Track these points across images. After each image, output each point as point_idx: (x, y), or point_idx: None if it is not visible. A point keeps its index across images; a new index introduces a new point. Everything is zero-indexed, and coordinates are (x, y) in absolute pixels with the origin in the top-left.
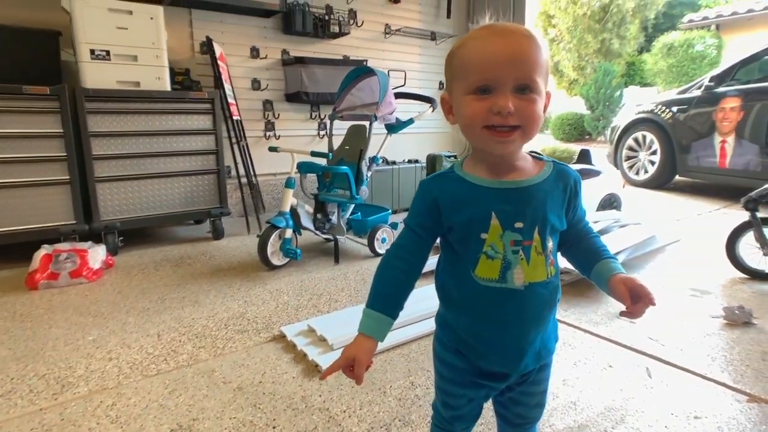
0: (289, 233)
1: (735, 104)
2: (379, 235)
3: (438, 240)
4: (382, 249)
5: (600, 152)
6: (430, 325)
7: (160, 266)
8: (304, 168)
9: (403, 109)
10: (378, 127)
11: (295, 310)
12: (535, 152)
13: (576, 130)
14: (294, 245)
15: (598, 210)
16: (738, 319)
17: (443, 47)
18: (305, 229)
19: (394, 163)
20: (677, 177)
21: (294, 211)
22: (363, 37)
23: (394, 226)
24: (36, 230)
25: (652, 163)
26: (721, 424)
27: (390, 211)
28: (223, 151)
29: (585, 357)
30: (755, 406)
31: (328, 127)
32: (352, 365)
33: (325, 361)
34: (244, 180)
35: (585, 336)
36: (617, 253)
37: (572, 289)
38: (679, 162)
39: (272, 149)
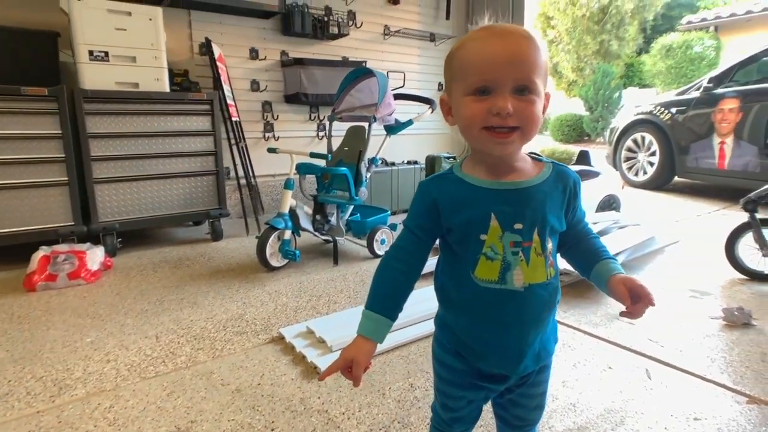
0: (288, 234)
1: (734, 105)
2: (378, 236)
3: (437, 241)
4: (381, 250)
5: (599, 153)
6: (430, 327)
7: (158, 268)
8: (303, 169)
9: (402, 111)
10: (377, 129)
11: (294, 311)
12: (535, 153)
13: (575, 131)
14: (293, 246)
15: (597, 211)
16: (737, 321)
17: (442, 48)
18: (304, 230)
19: (393, 164)
20: (676, 178)
21: (293, 213)
22: (362, 38)
23: (393, 227)
24: (34, 231)
25: (651, 164)
26: (721, 426)
27: (389, 212)
28: (222, 152)
29: (584, 358)
30: (755, 408)
31: (327, 128)
32: (351, 366)
33: (324, 362)
34: (243, 181)
35: (584, 337)
36: (616, 255)
37: (572, 290)
38: (678, 163)
39: (271, 150)
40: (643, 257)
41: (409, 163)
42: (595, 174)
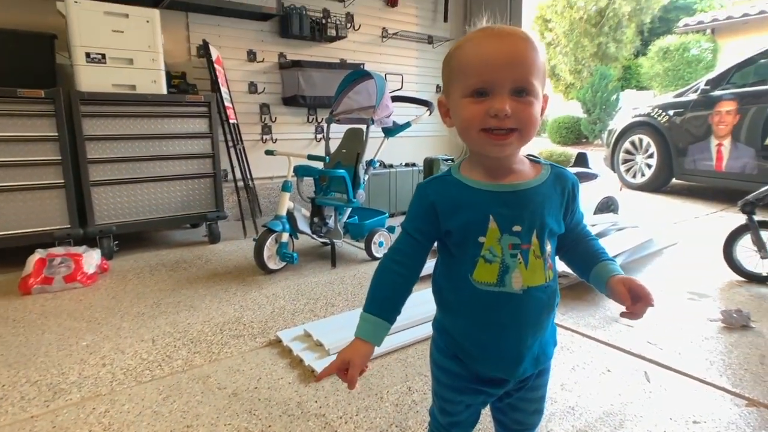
0: (285, 237)
1: (731, 107)
2: (377, 238)
3: (435, 244)
4: (379, 253)
5: (597, 155)
6: (428, 330)
7: (155, 270)
8: (300, 171)
9: (400, 113)
10: (375, 131)
11: (291, 314)
12: (533, 155)
13: (573, 133)
14: (290, 249)
15: (595, 213)
16: (736, 323)
17: (440, 51)
18: (302, 233)
19: (391, 166)
20: (674, 180)
21: (291, 215)
22: (360, 40)
23: (391, 229)
24: (30, 234)
25: (649, 166)
26: (720, 429)
27: (387, 214)
28: (219, 154)
29: (583, 361)
30: (754, 411)
31: (325, 130)
32: (347, 368)
33: (321, 366)
34: (240, 184)
35: (583, 340)
36: (615, 256)
37: (570, 292)
38: (676, 165)
39: (269, 153)
40: (641, 259)
41: (407, 165)
42: (593, 176)
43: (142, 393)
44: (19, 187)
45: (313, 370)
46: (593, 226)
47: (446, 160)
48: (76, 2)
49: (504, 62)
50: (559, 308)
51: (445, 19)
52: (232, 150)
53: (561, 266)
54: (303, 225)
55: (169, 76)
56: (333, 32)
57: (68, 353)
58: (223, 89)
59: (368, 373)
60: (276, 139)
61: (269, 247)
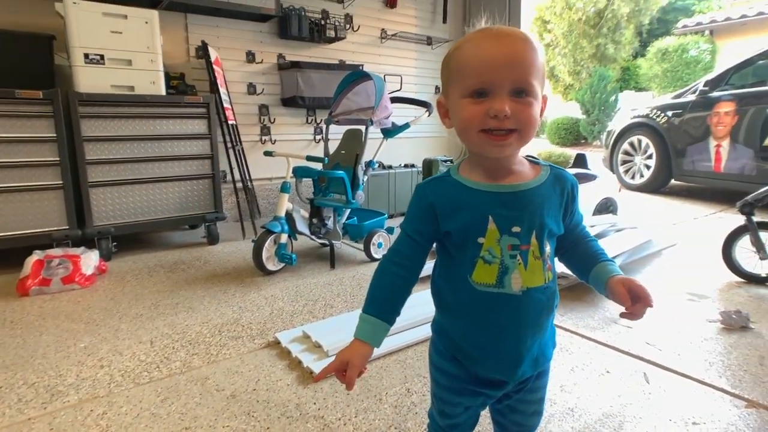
0: (284, 238)
1: (729, 108)
2: (376, 239)
3: (434, 245)
4: (378, 254)
5: (596, 156)
6: (427, 331)
7: (153, 272)
8: (299, 172)
9: (400, 114)
10: (374, 132)
11: (290, 316)
12: (532, 156)
13: (572, 134)
14: (289, 250)
15: (594, 214)
16: (735, 324)
17: (439, 52)
18: (301, 234)
19: (390, 167)
20: (673, 181)
21: (289, 216)
22: (359, 41)
23: (390, 230)
24: (28, 236)
25: (648, 167)
26: (720, 431)
27: (386, 215)
28: (218, 155)
29: (582, 362)
30: (754, 412)
31: (324, 131)
32: (345, 369)
33: (320, 367)
34: (239, 185)
35: (582, 341)
36: (614, 257)
37: (569, 293)
38: (675, 166)
39: (268, 154)
40: (640, 260)
41: (406, 166)
42: (592, 177)
43: (140, 395)
44: (17, 188)
45: (311, 371)
46: (592, 227)
47: (445, 161)
48: (74, 3)
49: (503, 63)
50: (558, 309)
51: (444, 20)
52: (230, 151)
53: (560, 267)
54: (302, 226)
55: (168, 77)
56: (332, 33)
57: (66, 355)
58: (222, 90)
59: (367, 375)
60: (275, 140)
61: (268, 248)
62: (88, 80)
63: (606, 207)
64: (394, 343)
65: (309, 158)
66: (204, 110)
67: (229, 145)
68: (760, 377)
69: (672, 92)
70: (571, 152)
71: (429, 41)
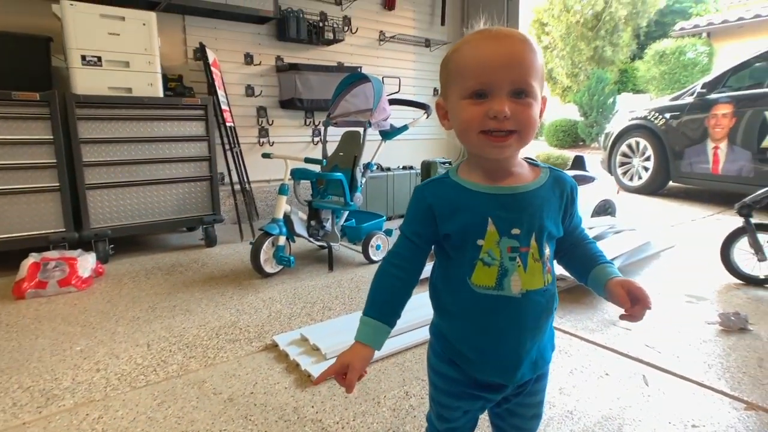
0: (282, 240)
1: (727, 111)
2: (374, 242)
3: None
4: (376, 256)
5: (594, 158)
6: (426, 334)
7: (151, 274)
8: (297, 175)
9: (398, 116)
10: (372, 134)
11: (288, 318)
12: (531, 158)
13: (570, 136)
14: (287, 253)
15: (592, 216)
16: (734, 326)
17: (437, 54)
18: (299, 236)
19: (388, 169)
20: (671, 183)
21: (287, 218)
22: (357, 43)
23: (388, 232)
24: (24, 238)
25: (646, 169)
26: None
27: (384, 217)
28: (216, 157)
29: (581, 365)
30: (753, 414)
31: (322, 133)
32: (346, 372)
33: (318, 370)
34: (237, 187)
35: (581, 343)
36: (612, 260)
37: (568, 295)
38: (673, 168)
39: (266, 156)
40: (638, 262)
41: (404, 168)
42: (591, 179)
43: (136, 398)
44: (14, 190)
45: (309, 374)
46: (590, 229)
47: (444, 163)
48: (71, 5)
49: (502, 64)
50: (557, 311)
51: (443, 23)
52: (228, 153)
53: (558, 269)
54: (300, 228)
55: (166, 79)
56: (330, 35)
57: (62, 358)
58: (220, 92)
59: (365, 378)
60: (273, 142)
61: (266, 251)
62: (85, 82)
63: (604, 209)
64: (393, 346)
65: (307, 160)
66: (202, 112)
67: (227, 147)
68: (759, 379)
69: (670, 94)
70: (569, 154)
71: (427, 43)
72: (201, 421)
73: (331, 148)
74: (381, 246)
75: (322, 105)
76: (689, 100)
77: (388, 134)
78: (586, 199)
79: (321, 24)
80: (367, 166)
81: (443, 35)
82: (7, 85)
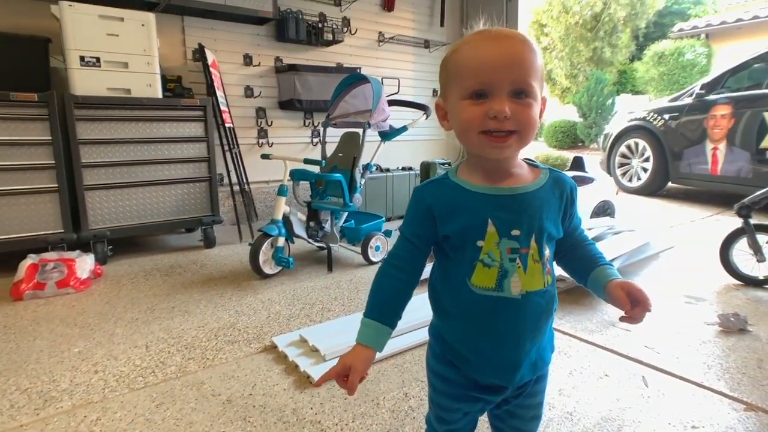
0: (281, 241)
1: (726, 112)
2: (373, 243)
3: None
4: (375, 257)
5: (593, 159)
6: (425, 335)
7: (149, 275)
8: (296, 175)
9: (397, 117)
10: (371, 135)
11: (287, 319)
12: (530, 159)
13: (569, 137)
14: (286, 254)
15: (591, 217)
16: (733, 327)
17: (437, 55)
18: (298, 237)
19: (387, 170)
20: (670, 184)
21: (286, 219)
22: (356, 44)
23: (387, 233)
24: (23, 239)
25: (645, 170)
26: None
27: (384, 218)
28: (215, 158)
29: (581, 366)
30: (752, 415)
31: (321, 134)
32: (347, 374)
33: (317, 372)
34: (236, 188)
35: (580, 344)
36: (612, 260)
37: (567, 296)
38: (672, 169)
39: (265, 156)
40: (638, 263)
41: (403, 169)
42: (590, 180)
43: (134, 400)
44: (12, 191)
45: (308, 376)
46: (590, 229)
47: (443, 164)
48: (70, 6)
49: (502, 64)
50: (557, 312)
51: (442, 24)
52: (227, 154)
53: (557, 270)
54: (299, 229)
55: (165, 80)
56: (329, 36)
57: (60, 360)
58: (219, 93)
59: (365, 379)
60: (272, 143)
61: (265, 252)
62: (84, 83)
63: (603, 210)
64: (392, 347)
65: (306, 161)
66: (201, 113)
67: (226, 148)
68: (758, 380)
69: (669, 95)
70: (569, 155)
71: (426, 44)
72: (199, 423)
73: (330, 149)
74: (380, 247)
75: (322, 106)
76: (688, 101)
77: (387, 135)
78: (585, 200)
79: (320, 25)
80: (367, 167)
81: (442, 36)
82: (6, 86)
